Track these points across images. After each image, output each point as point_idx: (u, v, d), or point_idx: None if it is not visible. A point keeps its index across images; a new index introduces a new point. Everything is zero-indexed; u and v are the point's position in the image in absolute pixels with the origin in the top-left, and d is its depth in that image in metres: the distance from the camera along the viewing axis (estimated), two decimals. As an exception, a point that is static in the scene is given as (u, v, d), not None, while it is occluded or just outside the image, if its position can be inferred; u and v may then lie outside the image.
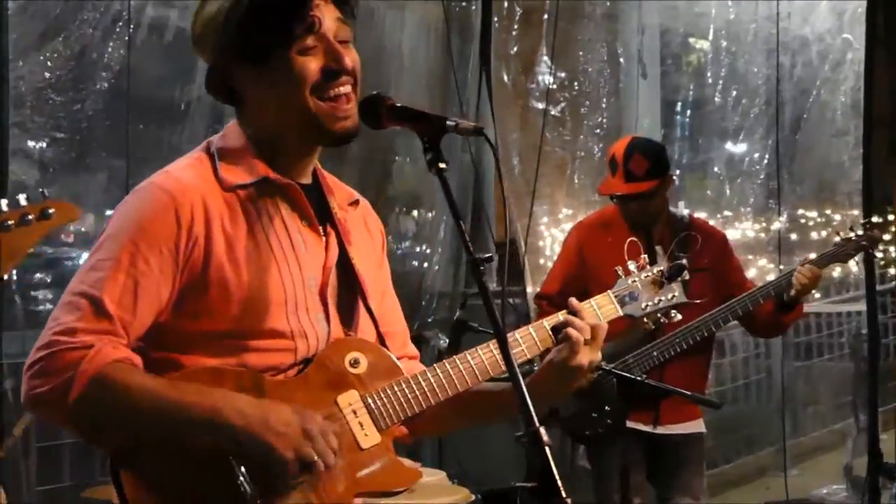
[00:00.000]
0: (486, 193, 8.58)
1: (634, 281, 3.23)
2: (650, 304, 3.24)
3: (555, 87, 8.80)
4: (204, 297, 2.76)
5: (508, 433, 7.32)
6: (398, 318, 3.22)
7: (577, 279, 6.05)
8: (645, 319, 3.26)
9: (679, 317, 3.29)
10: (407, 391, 2.92)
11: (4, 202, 2.29)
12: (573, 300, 3.07)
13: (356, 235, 3.04)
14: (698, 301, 3.75)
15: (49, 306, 6.27)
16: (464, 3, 8.67)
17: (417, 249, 8.79)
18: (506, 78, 8.77)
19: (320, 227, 2.93)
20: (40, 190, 2.34)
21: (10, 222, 2.29)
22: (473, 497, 5.25)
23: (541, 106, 8.58)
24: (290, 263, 2.84)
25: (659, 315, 3.27)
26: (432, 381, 2.94)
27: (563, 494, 2.33)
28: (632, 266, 3.26)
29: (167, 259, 2.72)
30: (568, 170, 8.90)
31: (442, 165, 2.63)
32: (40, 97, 6.83)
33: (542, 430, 2.39)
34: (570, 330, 2.97)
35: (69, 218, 2.40)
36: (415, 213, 8.97)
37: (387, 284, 3.19)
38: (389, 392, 2.91)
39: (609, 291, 3.20)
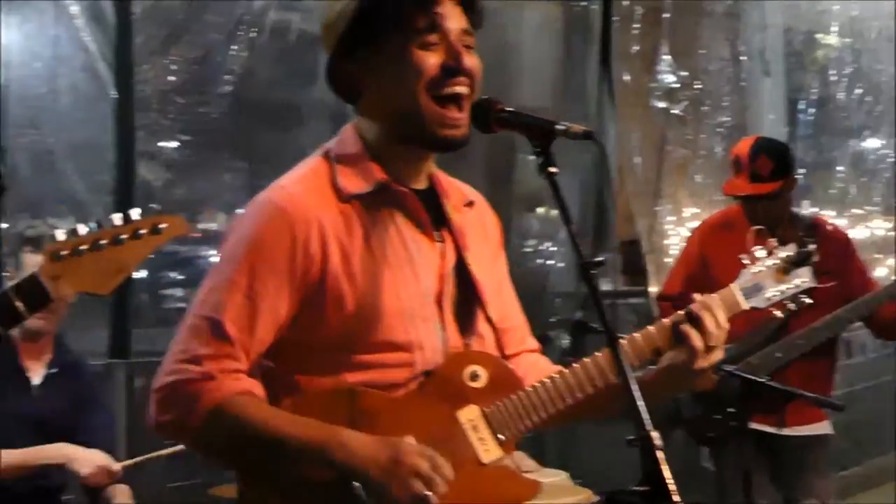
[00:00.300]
0: (609, 192, 8.56)
1: (760, 270, 3.12)
2: (776, 293, 3.13)
3: (676, 85, 8.76)
4: (321, 312, 2.76)
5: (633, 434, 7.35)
6: (516, 313, 3.17)
7: (699, 280, 5.99)
8: (772, 309, 3.18)
9: (808, 301, 3.21)
10: (526, 403, 2.87)
11: (118, 216, 2.32)
12: (697, 296, 2.97)
13: (472, 237, 3.00)
14: (828, 284, 3.63)
15: (179, 304, 6.45)
16: (584, 3, 8.69)
17: (541, 248, 8.76)
18: (626, 77, 8.74)
19: (435, 234, 2.90)
20: (151, 205, 2.36)
21: (123, 236, 2.32)
22: (596, 498, 5.23)
23: (662, 105, 8.57)
24: (406, 273, 2.82)
25: (786, 302, 3.17)
26: (551, 390, 2.88)
27: (675, 499, 2.32)
28: (759, 253, 3.16)
29: (284, 278, 2.73)
30: (689, 169, 8.84)
31: (553, 170, 2.61)
32: (165, 100, 6.99)
33: (655, 435, 2.37)
34: (692, 335, 2.89)
35: (179, 232, 2.42)
36: (538, 210, 8.96)
37: (503, 280, 3.14)
38: (509, 405, 2.87)
39: (733, 284, 3.09)
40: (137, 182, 6.81)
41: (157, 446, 5.15)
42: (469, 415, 2.84)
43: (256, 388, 2.75)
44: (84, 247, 2.27)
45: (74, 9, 6.61)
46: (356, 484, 2.66)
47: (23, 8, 6.50)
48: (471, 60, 2.79)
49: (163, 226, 2.36)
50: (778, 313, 3.23)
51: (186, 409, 2.67)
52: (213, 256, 2.93)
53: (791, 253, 3.16)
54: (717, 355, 2.93)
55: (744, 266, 3.15)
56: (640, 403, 2.41)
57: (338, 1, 2.86)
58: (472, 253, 2.95)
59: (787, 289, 3.15)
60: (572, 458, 7.98)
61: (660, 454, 2.36)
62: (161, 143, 7.17)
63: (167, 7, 6.96)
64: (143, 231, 2.33)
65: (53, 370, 5.11)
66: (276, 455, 2.71)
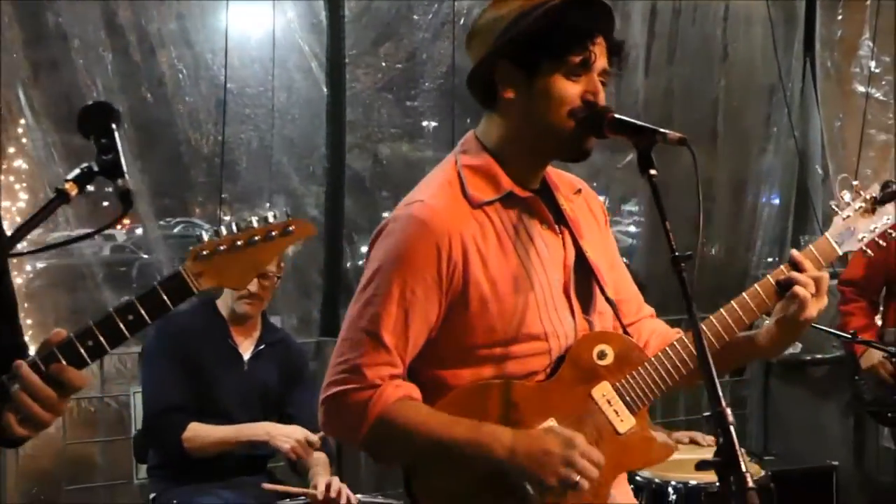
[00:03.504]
0: (812, 176, 8.63)
1: (848, 215, 3.32)
2: (866, 234, 3.32)
3: (878, 70, 8.71)
4: (466, 314, 3.02)
5: (837, 413, 7.46)
6: (629, 286, 3.42)
7: (881, 265, 6.14)
8: (865, 248, 3.32)
9: None
10: (653, 372, 3.15)
11: (255, 218, 2.56)
12: (794, 252, 3.22)
13: (584, 223, 3.25)
14: None
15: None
16: (788, -10, 8.73)
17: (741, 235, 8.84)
18: (829, 63, 8.77)
19: (556, 227, 3.16)
20: (285, 209, 2.61)
21: (256, 238, 2.52)
22: (762, 473, 5.35)
23: (864, 90, 8.55)
24: (537, 268, 3.08)
25: (877, 240, 3.33)
26: (674, 358, 3.15)
27: (743, 469, 2.48)
28: (846, 198, 3.36)
29: (432, 286, 2.99)
30: (891, 153, 8.78)
31: (653, 172, 2.82)
32: (375, 96, 7.36)
33: (728, 412, 2.56)
34: (798, 288, 3.12)
35: (306, 235, 2.63)
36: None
37: (614, 257, 3.39)
38: (637, 377, 3.14)
39: (826, 233, 3.31)
40: (347, 175, 7.28)
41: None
42: (602, 391, 3.13)
43: (414, 391, 3.04)
44: (223, 247, 2.53)
45: (291, 13, 7.07)
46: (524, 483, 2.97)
47: (244, 13, 6.94)
48: (603, 96, 3.05)
49: (291, 228, 2.58)
50: (870, 252, 3.35)
51: (354, 420, 2.97)
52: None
53: (875, 193, 3.35)
54: (822, 302, 3.16)
55: (835, 214, 3.35)
56: (716, 381, 2.59)
57: (494, 9, 3.11)
58: (586, 239, 3.21)
59: (875, 227, 3.34)
60: (775, 435, 8.13)
61: (731, 429, 2.53)
62: (369, 138, 7.54)
63: (376, 9, 7.33)
64: (274, 233, 2.55)
65: (261, 346, 5.54)
66: (438, 457, 3.01)
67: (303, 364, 5.77)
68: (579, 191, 3.33)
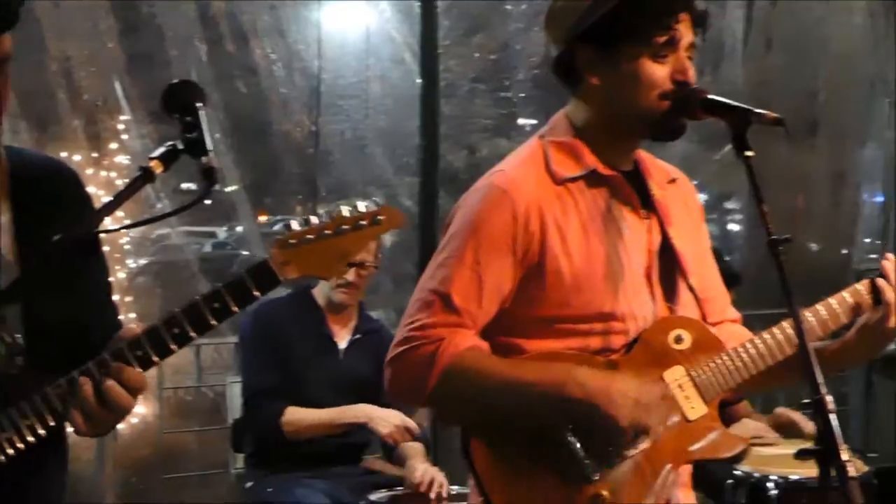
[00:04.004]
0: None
1: None
2: None
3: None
4: (541, 287, 2.95)
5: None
6: (717, 284, 3.29)
7: None
8: None
9: None
10: (729, 363, 3.03)
11: (346, 208, 2.51)
12: (889, 256, 3.05)
13: (675, 213, 3.15)
14: None
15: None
16: (889, -20, 8.57)
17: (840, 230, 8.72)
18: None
19: (642, 212, 3.06)
20: (374, 199, 2.55)
21: (345, 227, 2.49)
22: (865, 469, 5.23)
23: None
24: (619, 249, 3.00)
25: None
26: (753, 351, 3.05)
27: (843, 458, 2.40)
28: None
29: (507, 254, 2.93)
30: None
31: (748, 153, 2.71)
32: (468, 87, 7.34)
33: (829, 399, 2.51)
34: (888, 294, 3.00)
35: (396, 224, 2.57)
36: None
37: (706, 252, 3.28)
38: (713, 365, 3.03)
39: None
40: (441, 166, 7.19)
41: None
42: (675, 375, 3.02)
43: (482, 343, 2.96)
44: (310, 236, 2.48)
45: (384, 4, 7.07)
46: (577, 446, 2.88)
47: (337, 3, 6.96)
48: (693, 73, 2.93)
49: (381, 217, 2.51)
50: None
51: (422, 374, 2.89)
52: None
53: None
54: None
55: None
56: (816, 367, 2.49)
57: None
58: (675, 227, 3.11)
59: None
60: (879, 436, 8.02)
61: (832, 416, 2.52)
62: (463, 130, 7.51)
63: (467, 2, 7.32)
64: (363, 222, 2.49)
65: (357, 336, 5.52)
66: (511, 402, 2.92)
67: (397, 353, 5.75)
68: (674, 180, 3.22)
